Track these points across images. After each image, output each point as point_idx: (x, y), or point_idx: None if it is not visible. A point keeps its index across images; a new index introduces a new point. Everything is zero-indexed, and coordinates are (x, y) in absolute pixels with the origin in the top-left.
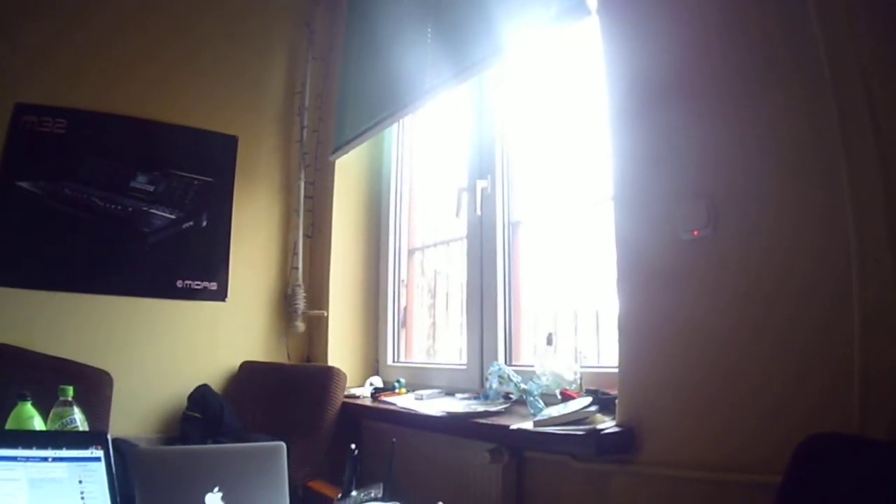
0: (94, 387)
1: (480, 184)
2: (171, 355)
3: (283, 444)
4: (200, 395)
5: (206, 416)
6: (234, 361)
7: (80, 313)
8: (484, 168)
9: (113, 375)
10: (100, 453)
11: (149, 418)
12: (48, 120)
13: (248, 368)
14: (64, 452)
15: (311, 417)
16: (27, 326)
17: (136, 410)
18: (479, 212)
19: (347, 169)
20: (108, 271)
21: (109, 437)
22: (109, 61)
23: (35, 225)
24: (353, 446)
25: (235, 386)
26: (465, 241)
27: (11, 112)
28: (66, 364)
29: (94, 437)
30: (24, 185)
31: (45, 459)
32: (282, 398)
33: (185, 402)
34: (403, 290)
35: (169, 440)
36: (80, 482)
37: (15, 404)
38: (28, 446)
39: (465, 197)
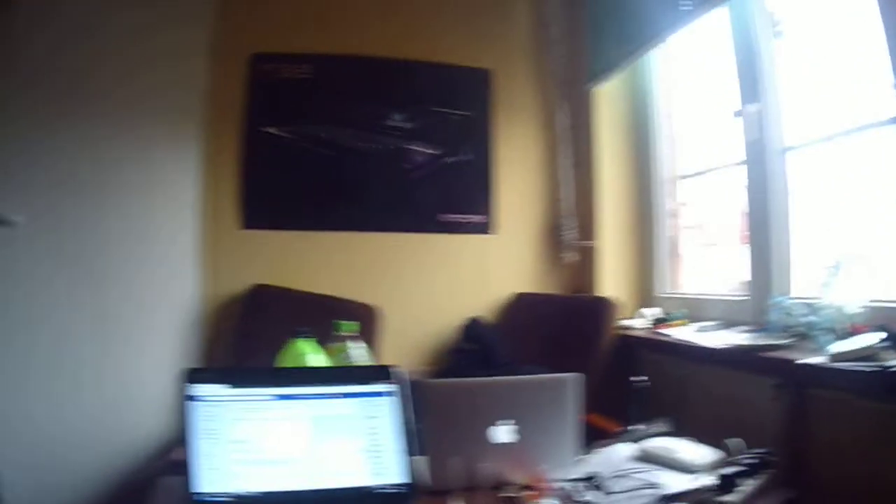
0: (363, 322)
1: (752, 108)
2: (439, 289)
3: (580, 376)
4: (472, 328)
5: (479, 349)
6: (503, 294)
7: (345, 251)
8: (754, 91)
9: (383, 310)
10: (388, 387)
11: (418, 352)
12: (290, 67)
13: (519, 300)
14: (351, 388)
15: (586, 349)
16: (292, 267)
17: (406, 344)
18: (752, 136)
19: (607, 97)
20: (370, 209)
21: (399, 370)
22: (348, 4)
23: (290, 168)
24: (643, 378)
25: (507, 318)
26: (736, 168)
27: (249, 63)
28: (333, 301)
29: (382, 371)
30: (272, 130)
31: (331, 396)
32: (555, 330)
33: (454, 335)
34: (672, 219)
35: (439, 373)
36: (369, 417)
37: (286, 342)
38: (312, 383)
39: (737, 121)
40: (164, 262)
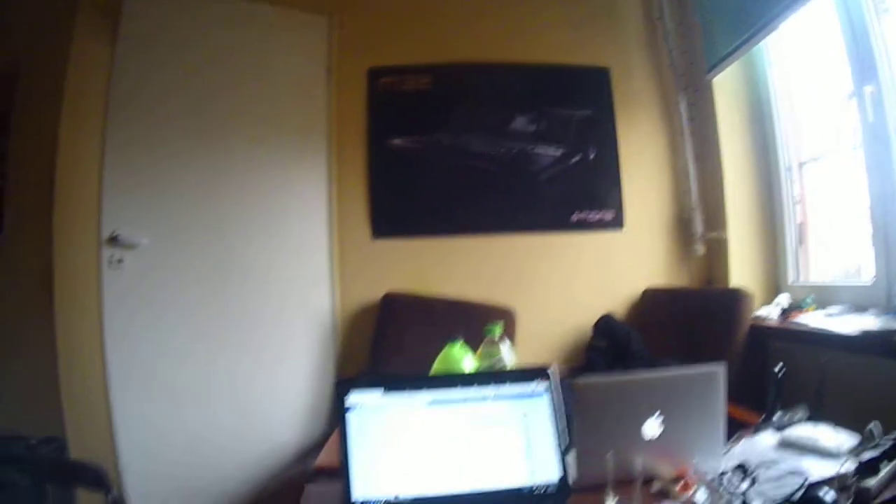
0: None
1: (867, 89)
2: (571, 287)
3: (722, 367)
4: (605, 324)
5: (613, 345)
6: (635, 289)
7: (474, 255)
8: (867, 71)
9: (515, 311)
10: (542, 388)
11: (551, 350)
12: (410, 78)
13: (650, 295)
14: (506, 390)
15: (720, 340)
16: (423, 273)
17: (539, 344)
18: (870, 118)
19: (725, 86)
20: (498, 212)
21: (552, 371)
22: (460, 13)
23: (417, 177)
24: (778, 367)
25: (638, 313)
26: (858, 150)
27: (367, 77)
28: (466, 305)
29: (535, 373)
30: (397, 141)
31: (484, 399)
32: (688, 323)
33: (588, 332)
34: (798, 206)
35: (573, 370)
36: (523, 417)
37: (443, 348)
38: (467, 386)
39: (853, 103)
40: (300, 274)
